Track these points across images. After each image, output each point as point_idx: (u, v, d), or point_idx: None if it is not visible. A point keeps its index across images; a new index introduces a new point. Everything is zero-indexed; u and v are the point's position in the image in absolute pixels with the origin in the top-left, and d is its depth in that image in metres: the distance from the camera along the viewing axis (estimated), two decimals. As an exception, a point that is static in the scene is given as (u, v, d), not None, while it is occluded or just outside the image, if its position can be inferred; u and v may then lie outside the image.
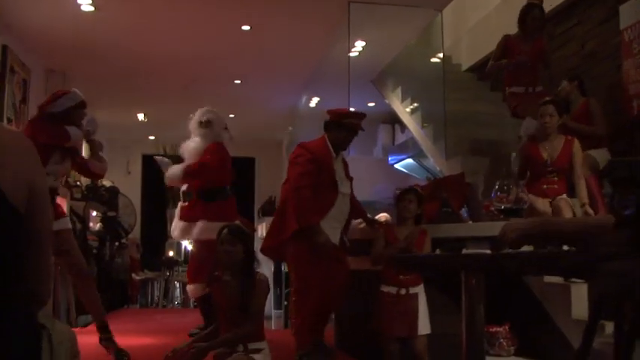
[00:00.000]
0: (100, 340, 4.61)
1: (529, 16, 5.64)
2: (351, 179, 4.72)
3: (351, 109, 4.74)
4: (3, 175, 1.35)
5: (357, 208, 4.71)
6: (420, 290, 4.10)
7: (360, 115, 4.73)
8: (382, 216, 5.42)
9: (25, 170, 1.42)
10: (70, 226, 4.83)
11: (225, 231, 3.75)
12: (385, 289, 4.18)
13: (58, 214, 4.60)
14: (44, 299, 1.55)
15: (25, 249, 1.44)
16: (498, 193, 2.29)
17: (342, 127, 4.58)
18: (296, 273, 4.53)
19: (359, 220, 4.88)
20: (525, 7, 5.69)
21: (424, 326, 4.07)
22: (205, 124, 5.58)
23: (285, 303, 7.02)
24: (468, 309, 2.30)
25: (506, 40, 5.76)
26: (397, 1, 6.38)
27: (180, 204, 5.80)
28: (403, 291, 4.11)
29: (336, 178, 4.49)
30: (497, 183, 2.31)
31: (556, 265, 1.95)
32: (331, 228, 4.44)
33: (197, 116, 5.64)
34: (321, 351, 4.39)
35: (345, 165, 4.72)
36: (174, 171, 5.65)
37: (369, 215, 4.89)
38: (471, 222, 5.14)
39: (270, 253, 4.77)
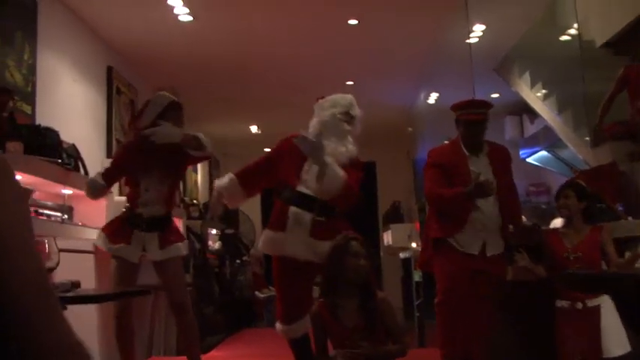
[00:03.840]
0: None
1: None
2: (506, 175, 4.13)
3: (463, 100, 4.22)
4: None
5: (510, 210, 4.11)
6: (603, 301, 3.43)
7: (468, 104, 4.14)
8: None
9: None
10: (181, 253, 4.35)
11: (354, 243, 3.25)
12: (558, 303, 3.59)
13: (168, 241, 4.21)
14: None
15: None
16: None
17: (459, 122, 4.12)
18: (439, 284, 4.14)
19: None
20: None
21: (614, 345, 3.39)
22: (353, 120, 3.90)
23: (418, 314, 6.55)
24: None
25: (627, 71, 5.29)
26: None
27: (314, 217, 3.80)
28: (579, 305, 3.50)
29: (470, 180, 3.95)
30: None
31: None
32: (474, 235, 3.96)
33: (342, 101, 3.94)
34: None
35: (497, 160, 4.11)
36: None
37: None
38: (630, 218, 4.42)
39: (426, 266, 4.36)
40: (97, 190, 4.24)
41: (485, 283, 3.94)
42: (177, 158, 4.27)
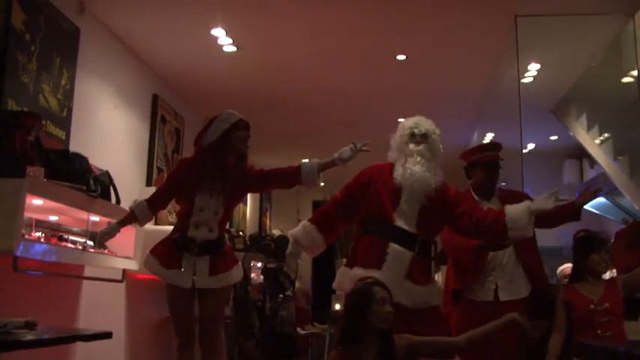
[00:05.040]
0: None
1: None
2: None
3: (477, 145, 4.12)
4: None
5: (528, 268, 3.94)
6: None
7: (486, 147, 4.17)
8: (566, 268, 4.57)
9: None
10: (232, 281, 4.04)
11: (378, 288, 3.04)
12: None
13: (218, 269, 3.94)
14: None
15: None
16: None
17: (476, 165, 4.07)
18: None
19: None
20: None
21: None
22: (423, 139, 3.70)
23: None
24: None
25: None
26: (577, 9, 5.34)
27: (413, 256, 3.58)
28: None
29: None
30: None
31: None
32: (486, 281, 3.89)
33: (405, 123, 3.81)
34: None
35: (512, 201, 3.80)
36: None
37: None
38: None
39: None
40: (143, 215, 4.03)
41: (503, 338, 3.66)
42: (244, 181, 4.07)
